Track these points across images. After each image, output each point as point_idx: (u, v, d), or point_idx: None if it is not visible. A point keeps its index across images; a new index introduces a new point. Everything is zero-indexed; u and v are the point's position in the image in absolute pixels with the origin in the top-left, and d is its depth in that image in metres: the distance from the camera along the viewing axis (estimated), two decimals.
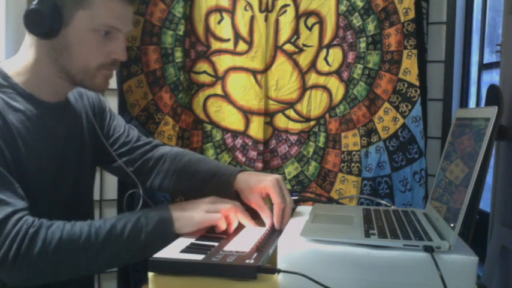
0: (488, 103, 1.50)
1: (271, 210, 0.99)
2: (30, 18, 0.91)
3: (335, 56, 1.79)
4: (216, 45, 1.79)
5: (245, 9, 1.76)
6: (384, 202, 1.39)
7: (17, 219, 0.84)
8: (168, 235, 0.91)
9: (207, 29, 1.78)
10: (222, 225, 0.94)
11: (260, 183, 1.02)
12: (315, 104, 1.81)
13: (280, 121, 1.82)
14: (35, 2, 0.91)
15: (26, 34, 0.98)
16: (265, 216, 1.00)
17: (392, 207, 1.07)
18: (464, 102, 1.96)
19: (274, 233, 0.93)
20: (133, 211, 0.95)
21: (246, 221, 0.97)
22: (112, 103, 1.24)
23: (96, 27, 0.95)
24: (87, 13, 0.93)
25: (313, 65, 1.80)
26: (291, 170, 1.83)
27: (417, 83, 1.74)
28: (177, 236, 0.91)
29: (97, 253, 0.87)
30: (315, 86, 1.80)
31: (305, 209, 1.06)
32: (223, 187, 1.07)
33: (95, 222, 0.89)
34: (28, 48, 0.98)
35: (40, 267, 0.84)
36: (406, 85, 1.75)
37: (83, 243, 0.86)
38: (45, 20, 0.91)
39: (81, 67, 0.97)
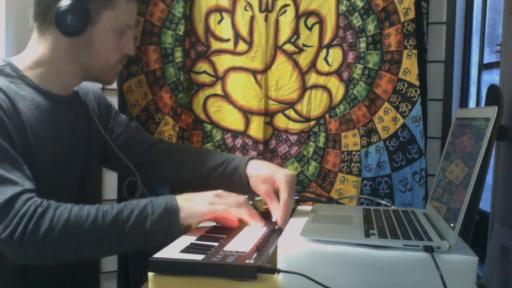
0: (488, 103, 1.50)
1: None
2: (63, 18, 0.94)
3: (335, 56, 1.78)
4: (216, 45, 1.79)
5: (245, 9, 1.76)
6: (384, 202, 1.39)
7: (26, 198, 0.85)
8: (173, 225, 0.91)
9: (207, 29, 1.78)
10: (227, 216, 0.94)
11: (274, 175, 1.02)
12: (315, 104, 1.81)
13: (280, 121, 1.82)
14: (65, 3, 0.94)
15: (34, 30, 1.00)
16: (273, 208, 1.00)
17: (392, 207, 1.07)
18: (464, 102, 1.96)
19: (274, 233, 0.93)
20: (142, 198, 0.94)
21: (249, 219, 0.97)
22: (112, 103, 1.25)
23: (117, 27, 1.00)
24: (111, 13, 0.99)
25: (313, 65, 1.80)
26: (291, 170, 1.82)
27: (417, 83, 1.74)
28: (181, 226, 0.91)
29: (101, 237, 0.87)
30: (315, 86, 1.80)
31: (305, 209, 1.06)
32: (234, 174, 1.08)
33: (102, 207, 0.90)
34: (39, 44, 1.00)
35: (45, 246, 0.85)
36: (406, 85, 1.75)
37: (88, 226, 0.86)
38: (76, 20, 0.95)
39: (102, 64, 1.03)
